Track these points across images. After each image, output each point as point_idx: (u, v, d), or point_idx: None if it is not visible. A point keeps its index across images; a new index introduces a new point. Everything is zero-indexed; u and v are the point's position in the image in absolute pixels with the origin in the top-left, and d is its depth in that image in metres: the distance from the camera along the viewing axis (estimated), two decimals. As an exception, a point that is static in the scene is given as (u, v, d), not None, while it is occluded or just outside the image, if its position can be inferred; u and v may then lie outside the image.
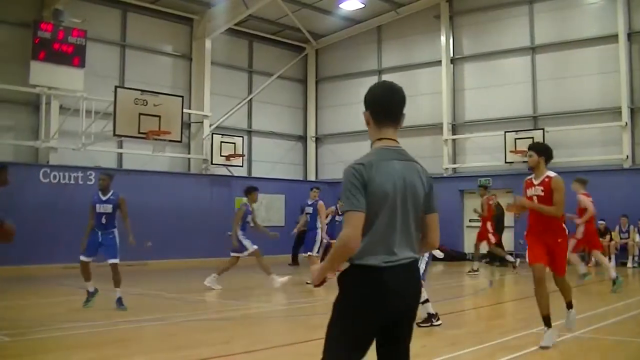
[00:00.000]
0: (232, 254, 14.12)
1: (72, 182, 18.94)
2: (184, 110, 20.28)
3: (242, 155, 23.47)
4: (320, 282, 3.50)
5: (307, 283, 14.14)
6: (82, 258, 11.00)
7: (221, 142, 22.83)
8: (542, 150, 8.21)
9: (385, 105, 3.58)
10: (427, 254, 8.78)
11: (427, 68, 24.66)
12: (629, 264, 19.28)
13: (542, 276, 7.65)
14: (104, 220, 11.22)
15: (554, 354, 7.29)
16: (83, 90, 18.42)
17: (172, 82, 22.71)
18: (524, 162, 21.37)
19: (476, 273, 17.14)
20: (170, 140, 18.96)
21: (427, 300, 8.81)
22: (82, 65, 18.17)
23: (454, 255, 21.88)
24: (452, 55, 24.23)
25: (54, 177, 18.63)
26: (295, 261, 20.95)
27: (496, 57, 23.35)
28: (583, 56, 21.50)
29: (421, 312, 8.65)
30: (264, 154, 25.61)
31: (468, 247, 23.38)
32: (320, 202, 15.66)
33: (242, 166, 23.83)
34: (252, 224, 14.52)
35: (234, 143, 23.14)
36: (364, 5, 24.30)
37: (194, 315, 10.57)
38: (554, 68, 22.10)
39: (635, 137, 20.62)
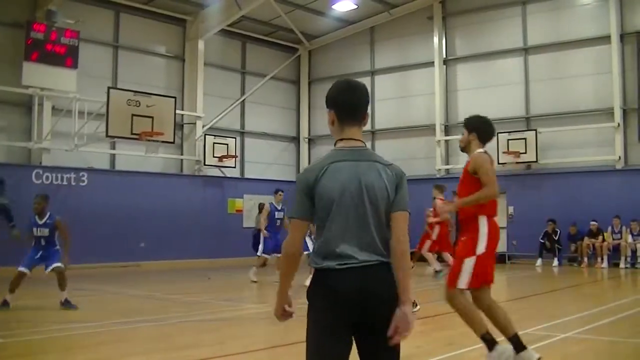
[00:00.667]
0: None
1: (64, 183, 18.90)
2: (177, 111, 20.28)
3: (235, 156, 23.45)
4: (283, 312, 3.52)
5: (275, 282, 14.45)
6: (21, 269, 10.96)
7: (214, 143, 22.81)
8: (472, 126, 6.68)
9: (348, 103, 3.45)
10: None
11: (420, 69, 24.69)
12: (622, 265, 19.33)
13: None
14: (43, 243, 11.17)
15: (548, 355, 7.31)
16: (76, 91, 18.39)
17: (165, 83, 22.67)
18: (517, 163, 21.72)
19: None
20: (163, 141, 18.95)
21: None
22: (75, 66, 18.13)
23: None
24: (445, 56, 24.27)
25: (47, 178, 18.58)
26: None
27: (489, 58, 23.41)
28: (576, 57, 21.58)
29: None
30: (257, 155, 25.59)
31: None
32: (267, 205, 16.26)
33: (235, 167, 23.81)
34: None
35: (227, 144, 23.13)
36: (356, 6, 24.32)
37: (188, 316, 10.55)
38: (547, 69, 22.17)
39: (628, 138, 20.70)
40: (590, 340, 8.18)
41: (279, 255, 15.15)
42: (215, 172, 23.35)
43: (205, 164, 22.72)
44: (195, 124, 23.04)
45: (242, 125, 25.44)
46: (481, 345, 7.76)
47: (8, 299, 10.85)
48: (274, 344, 8.14)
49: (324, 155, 3.51)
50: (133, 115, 18.09)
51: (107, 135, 18.05)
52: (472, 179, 6.52)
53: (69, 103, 18.71)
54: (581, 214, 20.33)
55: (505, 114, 22.67)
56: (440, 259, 17.11)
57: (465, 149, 6.69)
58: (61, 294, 10.89)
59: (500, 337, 6.15)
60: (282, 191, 16.09)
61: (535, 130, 21.51)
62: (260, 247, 15.76)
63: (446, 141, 24.13)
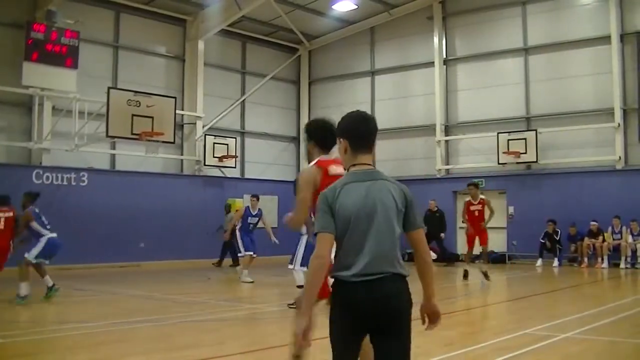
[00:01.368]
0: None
1: (65, 183, 18.90)
2: (177, 112, 20.28)
3: (235, 157, 23.45)
4: (304, 336, 3.52)
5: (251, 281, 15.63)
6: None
7: (214, 143, 22.80)
8: (309, 133, 5.61)
9: (361, 135, 3.76)
10: (304, 239, 10.14)
11: (420, 69, 24.68)
12: (622, 265, 19.30)
13: None
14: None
15: (548, 355, 7.32)
16: (76, 91, 18.38)
17: (165, 83, 22.67)
18: (517, 163, 21.72)
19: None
20: (163, 142, 18.95)
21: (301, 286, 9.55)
22: (75, 66, 18.13)
23: (448, 256, 21.93)
24: (445, 56, 24.25)
25: (47, 178, 18.57)
26: (219, 264, 20.88)
27: (489, 58, 23.40)
28: (576, 57, 21.56)
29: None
30: (257, 155, 25.58)
31: (461, 248, 23.43)
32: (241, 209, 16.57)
33: (235, 167, 23.81)
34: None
35: (227, 144, 23.13)
36: (356, 7, 24.31)
37: (188, 316, 10.55)
38: (547, 69, 22.16)
39: (628, 138, 20.68)
40: (590, 340, 8.18)
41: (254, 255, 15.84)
42: (216, 172, 23.35)
43: (205, 164, 22.71)
44: (195, 124, 23.03)
45: (242, 126, 25.43)
46: (481, 345, 7.79)
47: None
48: (274, 344, 8.13)
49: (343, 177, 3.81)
50: (133, 115, 18.09)
51: (107, 136, 18.05)
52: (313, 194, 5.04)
53: (69, 103, 18.71)
54: (581, 214, 20.32)
55: (505, 114, 22.67)
56: None
57: (310, 160, 5.45)
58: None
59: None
60: (258, 198, 16.32)
61: (536, 130, 21.50)
62: (241, 246, 15.88)
63: (446, 141, 24.11)
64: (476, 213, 15.72)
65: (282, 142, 26.95)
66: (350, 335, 3.59)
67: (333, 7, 24.17)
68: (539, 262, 20.52)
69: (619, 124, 20.37)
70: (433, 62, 24.08)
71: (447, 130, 24.21)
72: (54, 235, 12.17)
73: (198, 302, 12.64)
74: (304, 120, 27.27)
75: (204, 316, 10.72)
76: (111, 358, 7.41)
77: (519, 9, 22.75)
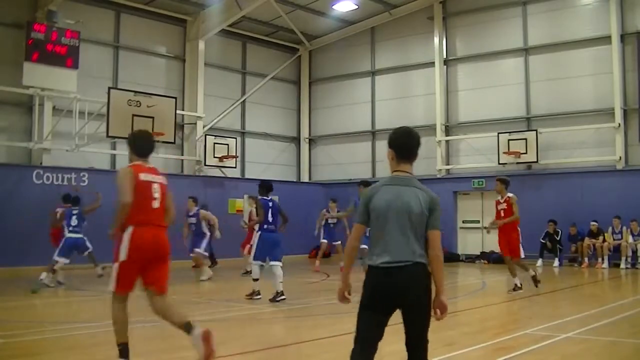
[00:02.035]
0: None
1: (65, 183, 18.87)
2: (178, 112, 20.27)
3: (236, 157, 23.46)
4: (343, 297, 4.50)
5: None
6: None
7: (214, 143, 22.82)
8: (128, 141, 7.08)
9: (405, 147, 4.48)
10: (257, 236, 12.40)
11: (421, 69, 24.70)
12: (622, 265, 19.31)
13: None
14: None
15: (548, 355, 7.31)
16: (76, 91, 18.39)
17: (165, 83, 22.68)
18: (518, 163, 21.71)
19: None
20: (163, 142, 18.94)
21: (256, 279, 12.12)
22: (76, 67, 18.15)
23: (448, 257, 21.89)
24: (445, 56, 24.27)
25: (47, 178, 18.56)
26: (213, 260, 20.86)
27: (490, 59, 23.41)
28: (576, 57, 21.57)
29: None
30: (257, 155, 25.60)
31: (462, 249, 23.45)
32: (202, 211, 16.93)
33: (235, 167, 23.82)
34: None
35: (228, 144, 23.14)
36: (357, 7, 24.34)
37: (189, 316, 10.51)
38: (547, 69, 22.16)
39: (628, 138, 20.70)
40: (591, 341, 8.17)
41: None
42: (216, 173, 23.36)
43: (205, 164, 22.72)
44: (195, 124, 23.04)
45: (243, 126, 25.44)
46: (481, 345, 7.79)
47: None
48: (274, 345, 8.13)
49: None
50: (133, 115, 18.08)
51: (107, 136, 18.05)
52: None
53: (70, 103, 18.71)
54: (582, 214, 20.32)
55: (506, 114, 22.69)
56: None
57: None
58: None
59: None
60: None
61: (536, 130, 21.51)
62: (204, 245, 16.72)
63: (447, 141, 24.11)
64: (502, 213, 13.78)
65: (282, 142, 26.96)
66: (372, 313, 4.26)
67: (333, 7, 24.20)
68: (540, 262, 20.50)
69: (619, 124, 20.37)
70: (433, 62, 24.10)
71: (448, 130, 24.22)
72: (72, 235, 14.13)
73: (198, 302, 12.64)
74: (304, 121, 27.35)
75: (204, 316, 10.70)
76: (111, 358, 7.39)
77: (520, 9, 22.77)
